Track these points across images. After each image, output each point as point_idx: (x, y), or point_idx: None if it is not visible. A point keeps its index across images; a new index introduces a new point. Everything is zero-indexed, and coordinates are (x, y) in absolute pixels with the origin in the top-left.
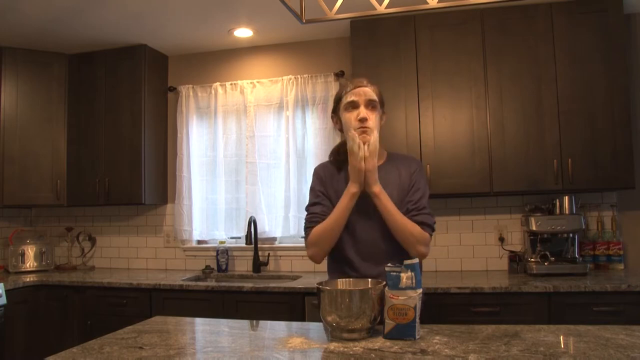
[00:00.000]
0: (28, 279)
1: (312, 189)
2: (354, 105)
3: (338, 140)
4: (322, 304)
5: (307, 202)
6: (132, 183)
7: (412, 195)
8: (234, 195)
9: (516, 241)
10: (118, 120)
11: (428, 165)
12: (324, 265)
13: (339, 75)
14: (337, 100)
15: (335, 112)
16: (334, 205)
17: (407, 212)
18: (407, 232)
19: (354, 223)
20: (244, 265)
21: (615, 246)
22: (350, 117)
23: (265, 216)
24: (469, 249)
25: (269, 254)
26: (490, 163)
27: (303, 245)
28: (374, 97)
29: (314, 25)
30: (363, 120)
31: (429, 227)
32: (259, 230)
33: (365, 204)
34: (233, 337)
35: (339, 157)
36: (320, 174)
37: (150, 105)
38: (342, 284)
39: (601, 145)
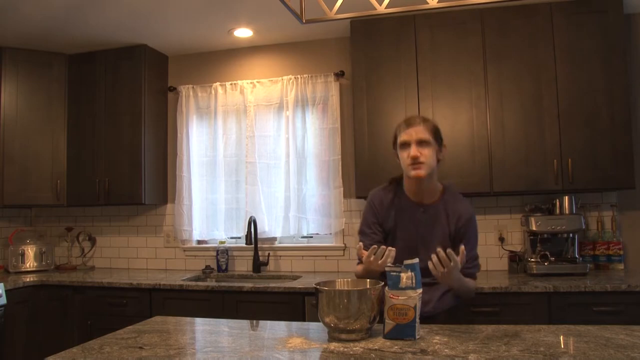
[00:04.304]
0: (28, 279)
1: (364, 217)
2: (406, 145)
3: (338, 141)
4: (320, 305)
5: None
6: (132, 183)
7: (465, 245)
8: (233, 195)
9: (516, 241)
10: (118, 120)
11: None
12: (324, 266)
13: (339, 75)
14: (394, 136)
15: (394, 147)
16: (386, 230)
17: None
18: (469, 292)
19: (395, 229)
20: (244, 265)
21: (615, 246)
22: (403, 156)
23: (265, 216)
24: None
25: (269, 254)
26: (490, 163)
27: (303, 245)
28: (426, 136)
29: (314, 25)
30: (414, 158)
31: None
32: (258, 230)
33: (411, 214)
34: (233, 337)
35: (395, 185)
36: (374, 203)
37: (150, 105)
38: (340, 284)
39: (601, 146)
